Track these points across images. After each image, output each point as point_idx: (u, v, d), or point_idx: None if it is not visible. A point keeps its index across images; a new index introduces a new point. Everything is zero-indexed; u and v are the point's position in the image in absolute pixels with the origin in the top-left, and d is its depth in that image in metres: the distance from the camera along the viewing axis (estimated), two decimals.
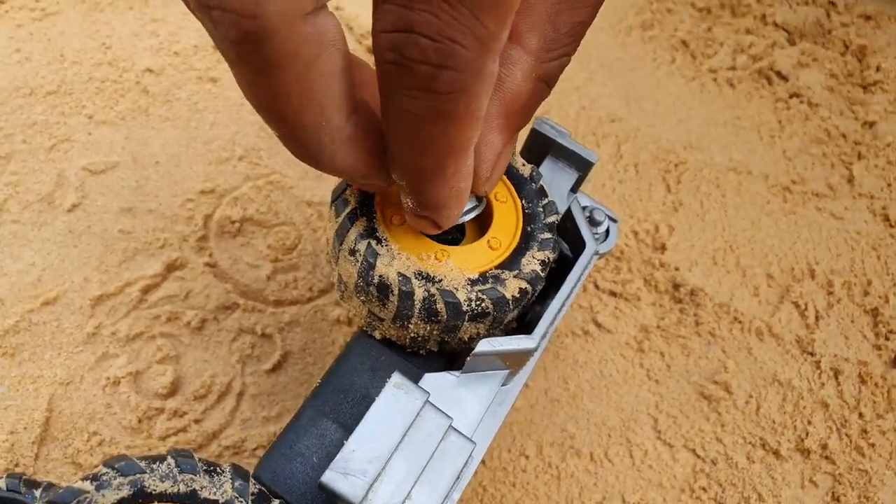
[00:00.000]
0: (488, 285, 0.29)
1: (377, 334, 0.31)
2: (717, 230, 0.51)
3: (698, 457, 0.42)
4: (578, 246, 0.34)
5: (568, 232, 0.34)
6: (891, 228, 0.52)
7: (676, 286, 0.48)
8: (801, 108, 0.58)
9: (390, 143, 0.23)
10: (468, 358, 0.29)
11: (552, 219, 0.31)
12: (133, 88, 0.51)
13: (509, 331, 0.33)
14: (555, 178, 0.36)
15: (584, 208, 0.35)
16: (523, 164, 0.33)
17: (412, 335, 0.30)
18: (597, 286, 0.48)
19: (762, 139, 0.56)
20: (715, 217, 0.51)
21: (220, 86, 0.52)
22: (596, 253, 0.34)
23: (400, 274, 0.28)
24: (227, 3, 0.18)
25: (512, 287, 0.29)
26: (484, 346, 0.29)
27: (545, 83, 0.27)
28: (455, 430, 0.28)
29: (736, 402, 0.43)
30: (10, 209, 0.46)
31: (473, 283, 0.29)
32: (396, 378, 0.27)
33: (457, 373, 0.30)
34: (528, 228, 0.31)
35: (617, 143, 0.54)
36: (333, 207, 0.30)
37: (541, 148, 0.37)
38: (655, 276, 0.48)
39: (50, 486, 0.35)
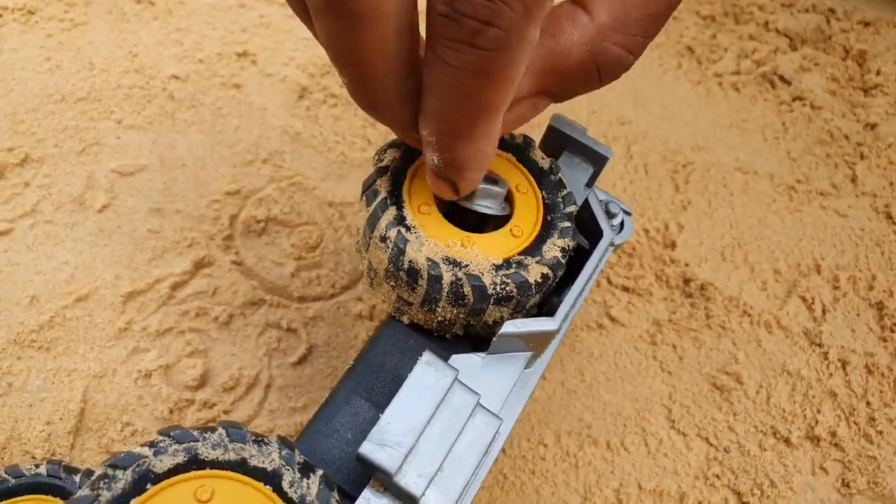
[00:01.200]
0: (512, 270, 0.30)
1: (405, 319, 0.33)
2: (724, 227, 0.52)
3: (711, 445, 0.43)
4: (595, 236, 0.35)
5: (585, 223, 0.36)
6: (893, 225, 0.53)
7: (687, 281, 0.49)
8: (804, 110, 0.59)
9: (428, 96, 0.24)
10: (494, 339, 0.31)
11: (571, 208, 0.33)
12: (159, 94, 0.53)
13: (531, 317, 0.34)
14: (571, 173, 0.37)
15: (600, 201, 0.37)
16: (542, 158, 0.34)
17: (439, 319, 0.31)
18: (610, 282, 0.49)
19: (767, 140, 0.58)
20: (723, 215, 0.53)
21: (244, 91, 0.54)
22: (612, 244, 0.36)
23: (429, 259, 0.29)
24: None
25: (535, 272, 0.30)
26: (509, 327, 0.30)
27: (597, 66, 0.26)
28: (482, 406, 0.29)
29: (747, 392, 0.45)
30: (44, 210, 0.47)
31: (498, 268, 0.30)
32: (427, 356, 0.29)
33: (482, 354, 0.32)
34: (549, 217, 0.32)
35: (627, 144, 0.56)
36: (364, 198, 0.32)
37: (558, 144, 0.38)
38: (666, 272, 0.49)
39: (89, 472, 0.36)
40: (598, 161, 0.38)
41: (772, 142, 0.58)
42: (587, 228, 0.36)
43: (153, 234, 0.47)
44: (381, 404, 0.30)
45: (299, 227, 0.49)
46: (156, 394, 0.42)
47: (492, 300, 0.30)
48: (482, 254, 0.31)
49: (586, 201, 0.36)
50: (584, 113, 0.58)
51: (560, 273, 0.32)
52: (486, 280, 0.30)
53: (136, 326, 0.44)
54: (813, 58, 0.63)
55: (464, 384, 0.29)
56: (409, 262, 0.30)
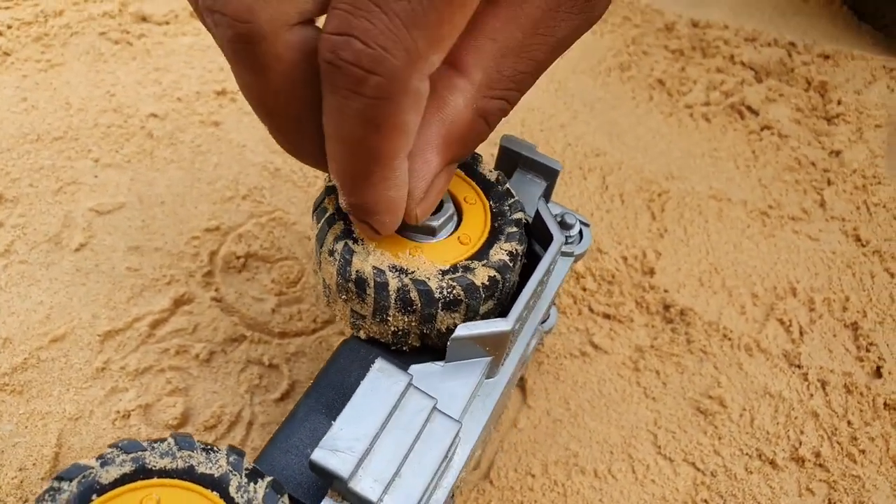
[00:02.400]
0: (458, 274, 0.31)
1: (362, 334, 0.33)
2: (701, 254, 0.53)
3: (698, 470, 0.43)
4: (549, 243, 0.35)
5: (542, 234, 0.36)
6: (863, 248, 0.55)
7: (667, 307, 0.50)
8: (772, 139, 0.61)
9: (327, 142, 0.25)
10: (449, 343, 0.31)
11: (518, 215, 0.34)
12: (138, 133, 0.53)
13: None
14: (525, 189, 0.38)
15: (555, 214, 0.37)
16: (490, 171, 0.35)
17: (393, 329, 0.32)
18: (591, 309, 0.49)
19: (738, 168, 0.59)
20: (699, 241, 0.54)
21: (223, 129, 0.54)
22: (571, 254, 0.37)
23: (375, 267, 0.30)
24: (226, 8, 0.22)
25: (481, 275, 0.31)
26: (461, 330, 0.31)
27: (484, 119, 0.28)
28: (440, 411, 0.29)
29: (731, 416, 0.45)
30: (18, 250, 0.47)
31: (445, 273, 0.31)
32: (379, 363, 0.29)
33: (440, 363, 0.32)
34: (496, 224, 0.33)
35: (602, 175, 0.57)
36: (314, 216, 0.32)
37: (509, 162, 0.39)
38: (646, 299, 0.50)
39: None
40: (549, 175, 0.39)
41: (743, 169, 0.59)
42: (544, 239, 0.36)
43: (132, 273, 0.47)
44: None
45: (280, 262, 0.49)
46: (135, 434, 0.41)
47: (440, 304, 0.30)
48: (429, 261, 0.31)
49: (538, 212, 0.37)
50: (560, 145, 0.59)
51: (509, 276, 0.32)
52: (433, 284, 0.30)
53: (114, 366, 0.43)
54: (777, 89, 0.65)
55: (419, 389, 0.29)
56: (356, 272, 0.30)
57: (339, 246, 0.30)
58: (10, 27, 0.57)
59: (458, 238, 0.32)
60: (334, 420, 0.30)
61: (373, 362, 0.32)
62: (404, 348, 0.33)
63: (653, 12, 0.71)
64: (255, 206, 0.51)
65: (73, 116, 0.53)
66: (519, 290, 0.34)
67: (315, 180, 0.53)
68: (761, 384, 0.46)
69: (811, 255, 0.53)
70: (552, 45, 0.28)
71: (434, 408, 0.29)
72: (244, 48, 0.22)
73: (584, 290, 0.50)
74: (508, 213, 0.34)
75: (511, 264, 0.32)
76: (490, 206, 0.34)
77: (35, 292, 0.45)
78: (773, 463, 0.43)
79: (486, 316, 0.33)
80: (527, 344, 0.36)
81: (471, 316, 0.32)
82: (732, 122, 0.63)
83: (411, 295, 0.30)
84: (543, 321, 0.42)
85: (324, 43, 0.21)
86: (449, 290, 0.30)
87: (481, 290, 0.30)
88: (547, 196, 0.38)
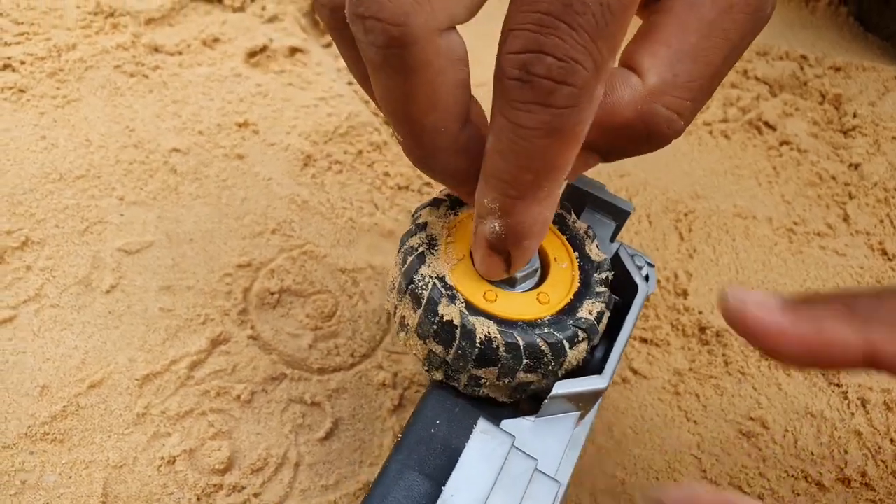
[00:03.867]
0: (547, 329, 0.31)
1: (438, 375, 0.32)
2: (731, 273, 0.53)
3: (745, 493, 0.43)
4: (626, 290, 0.35)
5: (615, 278, 0.36)
6: (889, 262, 0.55)
7: (702, 329, 0.50)
8: (791, 154, 0.62)
9: (494, 157, 0.25)
10: (545, 401, 0.31)
11: (606, 275, 0.33)
12: (161, 168, 0.52)
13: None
14: (595, 230, 0.38)
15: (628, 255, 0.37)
16: (578, 224, 0.35)
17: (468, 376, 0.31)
18: None
19: (761, 185, 0.60)
20: (728, 261, 0.54)
21: (248, 162, 0.54)
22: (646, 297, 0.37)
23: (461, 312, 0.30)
24: (380, 13, 0.22)
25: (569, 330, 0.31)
26: (559, 388, 0.30)
27: (645, 124, 0.27)
28: (540, 471, 0.29)
29: (774, 437, 0.45)
30: (48, 294, 0.46)
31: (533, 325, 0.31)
32: (483, 424, 0.29)
33: (532, 417, 0.32)
34: (583, 285, 0.33)
35: (628, 196, 0.57)
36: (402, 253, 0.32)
37: (578, 201, 0.39)
38: (682, 321, 0.50)
39: None
40: (619, 216, 0.39)
41: (765, 186, 0.60)
42: (617, 284, 0.36)
43: (165, 313, 0.46)
44: (436, 476, 0.30)
45: (313, 296, 0.49)
46: (182, 481, 0.40)
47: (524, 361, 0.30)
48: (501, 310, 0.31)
49: (617, 256, 0.36)
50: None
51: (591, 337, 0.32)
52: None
53: (154, 410, 0.42)
54: (793, 103, 0.65)
55: (520, 450, 0.29)
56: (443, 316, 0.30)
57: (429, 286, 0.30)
58: (23, 63, 0.56)
59: (538, 297, 0.32)
60: (427, 476, 0.30)
61: (461, 415, 0.32)
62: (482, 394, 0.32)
63: None
64: (285, 240, 0.51)
65: (94, 153, 0.52)
66: (610, 344, 0.34)
67: (343, 211, 0.53)
68: (802, 404, 0.47)
69: (840, 272, 0.54)
70: (727, 49, 0.27)
71: (536, 468, 0.29)
72: (395, 53, 0.23)
73: None
74: (598, 272, 0.33)
75: (597, 324, 0.32)
76: (579, 265, 0.33)
77: (69, 337, 0.44)
78: (819, 484, 0.43)
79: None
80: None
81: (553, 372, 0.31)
82: (751, 137, 0.63)
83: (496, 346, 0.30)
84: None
85: (509, 62, 0.22)
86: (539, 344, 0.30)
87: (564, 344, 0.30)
88: (614, 237, 0.38)
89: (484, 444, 0.28)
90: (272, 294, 0.48)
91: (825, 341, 0.28)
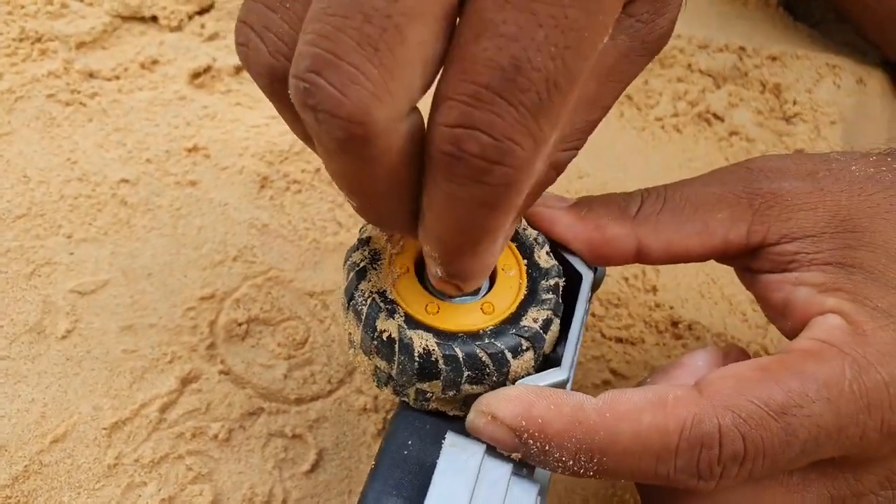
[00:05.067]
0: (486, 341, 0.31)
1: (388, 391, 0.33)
2: (697, 266, 0.54)
3: None
4: (576, 284, 0.35)
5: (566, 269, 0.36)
6: None
7: (675, 323, 0.50)
8: (741, 144, 0.63)
9: (429, 217, 0.25)
10: None
11: (555, 281, 0.33)
12: (110, 201, 0.50)
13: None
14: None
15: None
16: (528, 230, 0.35)
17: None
18: (603, 334, 0.50)
19: None
20: None
21: (201, 188, 0.51)
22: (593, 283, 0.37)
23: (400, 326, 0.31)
24: (339, 110, 0.20)
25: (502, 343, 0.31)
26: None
27: (555, 170, 0.30)
28: (517, 474, 0.29)
29: None
30: None
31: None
32: (451, 438, 0.29)
33: None
34: (529, 293, 0.33)
35: None
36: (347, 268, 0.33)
37: None
38: (654, 317, 0.50)
39: None
40: None
41: None
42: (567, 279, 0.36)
43: (129, 354, 0.44)
44: (415, 499, 0.29)
45: (283, 323, 0.47)
46: None
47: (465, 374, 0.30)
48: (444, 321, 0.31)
49: (555, 251, 0.36)
50: None
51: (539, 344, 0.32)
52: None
53: (126, 460, 0.40)
54: (737, 94, 0.67)
55: (494, 457, 0.29)
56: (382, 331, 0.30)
57: (368, 303, 0.31)
58: None
59: (482, 307, 0.32)
60: (405, 499, 0.29)
61: (432, 432, 0.32)
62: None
63: None
64: (248, 266, 0.49)
65: (35, 190, 0.49)
66: (563, 336, 0.34)
67: (306, 233, 0.51)
68: None
69: None
70: (621, 90, 0.29)
71: (512, 473, 0.29)
72: (354, 146, 0.21)
73: (594, 315, 0.50)
74: (546, 279, 0.33)
75: (542, 332, 0.31)
76: (527, 272, 0.34)
77: (24, 390, 0.42)
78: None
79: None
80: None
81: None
82: (702, 130, 0.64)
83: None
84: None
85: (441, 134, 0.21)
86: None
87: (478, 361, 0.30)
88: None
89: (455, 457, 0.28)
90: (240, 325, 0.46)
91: (606, 239, 0.34)
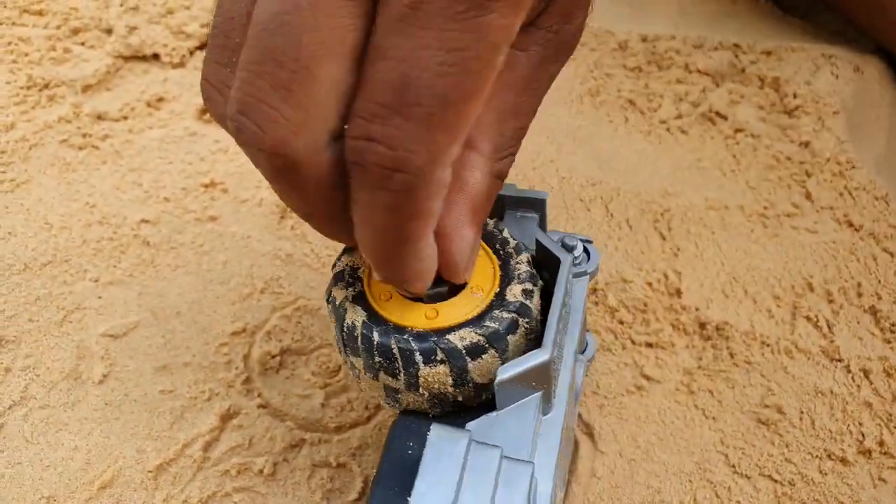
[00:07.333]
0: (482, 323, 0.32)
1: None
2: (717, 266, 0.55)
3: (776, 482, 0.44)
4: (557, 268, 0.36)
5: (549, 260, 0.36)
6: (857, 232, 0.58)
7: (702, 325, 0.51)
8: (747, 140, 0.64)
9: (356, 229, 0.27)
10: (495, 389, 0.31)
11: (524, 256, 0.35)
12: (132, 243, 0.50)
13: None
14: (522, 226, 0.39)
15: (556, 240, 0.38)
16: (486, 222, 0.36)
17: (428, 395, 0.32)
18: (633, 341, 0.50)
19: (725, 175, 0.62)
20: (712, 254, 0.55)
21: (222, 223, 0.52)
22: (585, 273, 0.39)
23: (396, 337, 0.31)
24: (261, 144, 0.23)
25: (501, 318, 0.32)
26: (503, 373, 0.31)
27: (498, 178, 0.31)
28: (508, 457, 0.29)
29: (791, 421, 0.46)
30: (35, 395, 0.43)
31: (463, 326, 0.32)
32: (435, 429, 0.29)
33: (493, 412, 0.32)
34: (505, 270, 0.34)
35: (604, 204, 0.58)
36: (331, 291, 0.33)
37: (497, 207, 0.39)
38: (681, 320, 0.51)
39: None
40: (538, 206, 0.39)
41: (730, 175, 0.61)
42: (551, 265, 0.36)
43: (167, 395, 0.44)
44: None
45: (315, 352, 0.47)
46: None
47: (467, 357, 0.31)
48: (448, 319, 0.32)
49: (536, 242, 0.37)
50: (555, 180, 0.59)
51: (529, 316, 0.33)
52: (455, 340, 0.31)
53: (175, 501, 0.40)
54: (737, 91, 0.68)
55: (481, 443, 0.29)
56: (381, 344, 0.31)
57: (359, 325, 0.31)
58: None
59: (471, 290, 0.33)
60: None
61: (427, 431, 0.32)
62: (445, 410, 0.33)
63: (604, 33, 0.72)
64: (276, 298, 0.49)
65: (58, 236, 0.49)
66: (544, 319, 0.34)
67: (329, 260, 0.51)
68: (811, 384, 0.48)
69: (816, 248, 0.56)
70: (542, 94, 0.31)
71: (502, 456, 0.29)
72: (283, 175, 0.24)
73: (622, 322, 0.51)
74: (514, 256, 0.35)
75: (528, 302, 0.32)
76: (494, 252, 0.35)
77: (66, 437, 0.42)
78: (843, 460, 0.45)
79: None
80: (572, 374, 0.36)
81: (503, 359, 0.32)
82: (707, 129, 0.65)
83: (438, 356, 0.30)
84: (582, 350, 0.42)
85: (349, 147, 0.24)
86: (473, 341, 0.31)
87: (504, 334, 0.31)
88: (543, 226, 0.39)
89: (440, 447, 0.28)
90: (273, 357, 0.46)
91: None
